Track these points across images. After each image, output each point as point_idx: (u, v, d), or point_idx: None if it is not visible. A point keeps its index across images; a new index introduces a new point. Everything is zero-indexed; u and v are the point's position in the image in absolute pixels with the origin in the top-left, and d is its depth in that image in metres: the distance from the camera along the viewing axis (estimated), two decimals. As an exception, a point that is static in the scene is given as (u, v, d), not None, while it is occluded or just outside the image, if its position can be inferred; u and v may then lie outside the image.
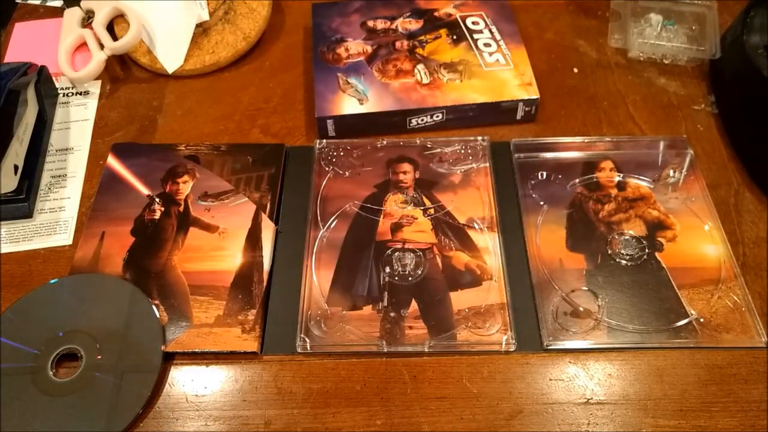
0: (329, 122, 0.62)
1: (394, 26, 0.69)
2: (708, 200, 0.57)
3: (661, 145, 0.61)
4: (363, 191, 0.58)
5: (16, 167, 0.58)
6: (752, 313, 0.50)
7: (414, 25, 0.69)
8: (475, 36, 0.67)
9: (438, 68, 0.65)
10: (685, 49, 0.67)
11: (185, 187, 0.59)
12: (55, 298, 0.52)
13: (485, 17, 0.69)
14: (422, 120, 0.63)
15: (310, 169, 0.60)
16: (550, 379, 0.48)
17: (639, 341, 0.49)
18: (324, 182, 0.59)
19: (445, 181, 0.59)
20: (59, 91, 0.68)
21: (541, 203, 0.57)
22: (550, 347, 0.49)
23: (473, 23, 0.69)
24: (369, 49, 0.67)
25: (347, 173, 0.60)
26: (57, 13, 0.74)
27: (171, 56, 0.68)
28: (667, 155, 0.60)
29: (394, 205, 0.57)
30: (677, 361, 0.49)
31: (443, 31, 0.68)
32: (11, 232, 0.57)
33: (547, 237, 0.55)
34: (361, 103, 0.62)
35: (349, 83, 0.64)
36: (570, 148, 0.61)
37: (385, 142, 0.62)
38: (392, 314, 0.51)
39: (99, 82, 0.69)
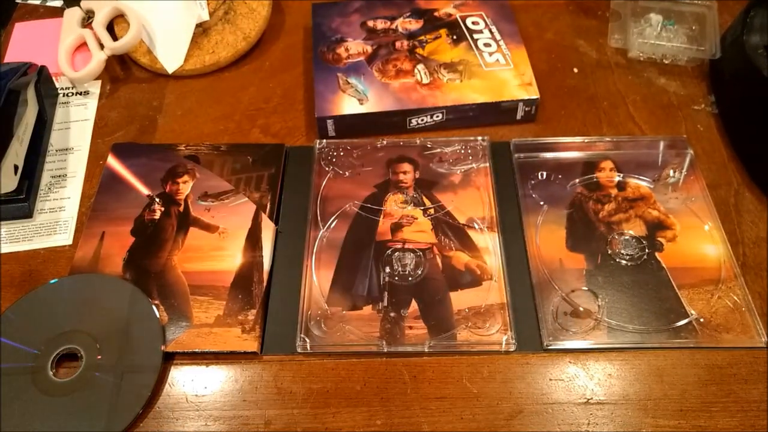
0: (329, 122, 0.62)
1: (394, 26, 0.69)
2: (708, 200, 0.57)
3: (661, 145, 0.61)
4: (363, 191, 0.58)
5: (16, 167, 0.58)
6: (752, 313, 0.50)
7: (414, 25, 0.69)
8: (475, 36, 0.67)
9: (438, 68, 0.65)
10: (685, 49, 0.67)
11: (185, 187, 0.59)
12: (55, 298, 0.52)
13: (485, 17, 0.69)
14: (422, 120, 0.63)
15: (310, 169, 0.60)
16: (550, 379, 0.48)
17: (639, 341, 0.49)
18: (324, 182, 0.59)
19: (445, 181, 0.59)
20: (59, 91, 0.68)
21: (541, 203, 0.57)
22: (550, 347, 0.49)
23: (473, 23, 0.69)
24: (369, 49, 0.67)
25: (347, 173, 0.60)
26: (57, 13, 0.74)
27: (171, 56, 0.68)
28: (667, 155, 0.60)
29: (394, 205, 0.57)
30: (677, 361, 0.49)
31: (443, 31, 0.68)
32: (11, 232, 0.58)
33: (547, 237, 0.55)
34: (361, 103, 0.62)
35: (349, 83, 0.64)
36: (570, 148, 0.61)
37: (385, 142, 0.62)
38: (392, 314, 0.51)
39: (99, 82, 0.69)
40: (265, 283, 0.53)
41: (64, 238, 0.57)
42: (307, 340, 0.50)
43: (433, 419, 0.47)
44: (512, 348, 0.49)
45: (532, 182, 0.59)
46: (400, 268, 0.53)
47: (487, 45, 0.67)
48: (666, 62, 0.69)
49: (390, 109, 0.62)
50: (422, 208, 0.57)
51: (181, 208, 0.57)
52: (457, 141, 0.61)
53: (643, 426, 0.46)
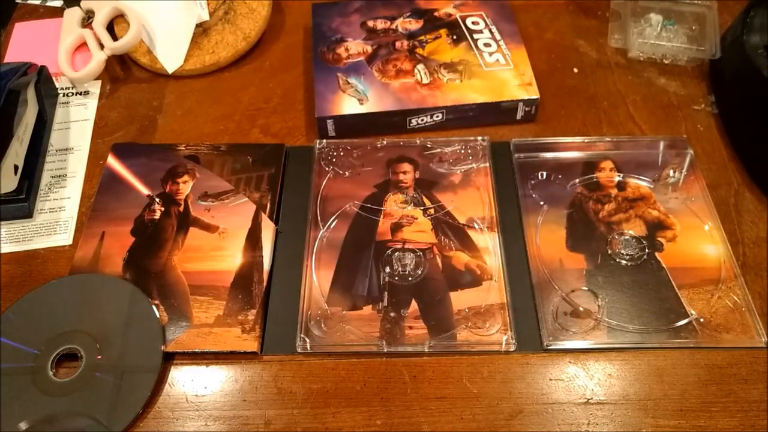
0: (329, 122, 0.62)
1: (394, 26, 0.69)
2: (708, 200, 0.57)
3: (661, 145, 0.61)
4: (363, 191, 0.58)
5: (16, 167, 0.58)
6: (752, 313, 0.50)
7: (414, 25, 0.69)
8: (475, 36, 0.67)
9: (438, 68, 0.65)
10: (685, 49, 0.67)
11: (185, 187, 0.59)
12: (55, 298, 0.52)
13: (485, 17, 0.69)
14: (422, 120, 0.63)
15: (310, 169, 0.60)
16: (550, 379, 0.48)
17: (639, 341, 0.49)
18: (324, 182, 0.59)
19: (445, 181, 0.59)
20: (59, 91, 0.68)
21: (541, 203, 0.57)
22: (550, 347, 0.49)
23: (473, 23, 0.69)
24: (369, 49, 0.67)
25: (347, 173, 0.60)
26: (57, 13, 0.74)
27: (171, 56, 0.68)
28: (667, 155, 0.60)
29: (394, 205, 0.57)
30: (677, 361, 0.49)
31: (443, 31, 0.68)
32: (11, 232, 0.58)
33: (547, 237, 0.55)
34: (361, 103, 0.62)
35: (349, 83, 0.64)
36: (570, 148, 0.61)
37: (385, 142, 0.62)
38: (392, 314, 0.51)
39: (99, 82, 0.69)
40: (265, 283, 0.53)
41: (64, 238, 0.57)
42: (307, 340, 0.50)
43: (433, 419, 0.47)
44: (512, 348, 0.49)
45: (532, 182, 0.59)
46: (400, 268, 0.53)
47: (487, 45, 0.67)
48: (666, 62, 0.69)
49: (390, 109, 0.62)
50: (422, 208, 0.57)
51: (181, 208, 0.57)
52: (457, 141, 0.61)
53: (643, 426, 0.46)
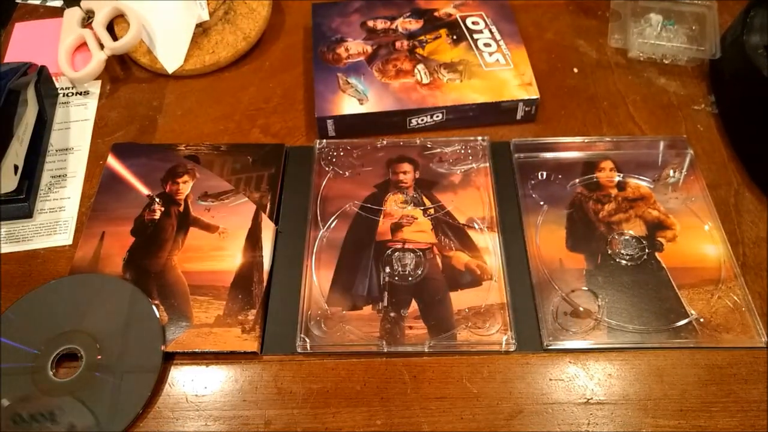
0: (329, 122, 0.62)
1: (394, 26, 0.69)
2: (708, 200, 0.57)
3: (661, 145, 0.61)
4: (363, 191, 0.58)
5: (16, 167, 0.58)
6: (752, 313, 0.50)
7: (414, 25, 0.69)
8: (475, 36, 0.67)
9: (438, 68, 0.65)
10: (685, 49, 0.67)
11: (185, 187, 0.59)
12: (55, 298, 0.52)
13: (485, 17, 0.69)
14: (422, 120, 0.63)
15: (310, 169, 0.60)
16: (550, 379, 0.48)
17: (639, 341, 0.49)
18: (324, 182, 0.59)
19: (445, 181, 0.59)
20: (59, 91, 0.68)
21: (541, 203, 0.57)
22: (550, 347, 0.49)
23: (473, 23, 0.69)
24: (369, 49, 0.67)
25: (347, 173, 0.60)
26: (57, 13, 0.74)
27: (171, 56, 0.68)
28: (667, 155, 0.60)
29: (394, 205, 0.57)
30: (677, 361, 0.49)
31: (443, 31, 0.68)
32: (11, 232, 0.58)
33: (547, 237, 0.55)
34: (361, 103, 0.62)
35: (349, 83, 0.64)
36: (570, 148, 0.61)
37: (385, 142, 0.62)
38: (392, 314, 0.51)
39: (99, 82, 0.69)
40: (265, 283, 0.53)
41: (64, 238, 0.57)
42: (307, 340, 0.50)
43: (433, 419, 0.47)
44: (512, 348, 0.49)
45: (532, 182, 0.59)
46: (400, 268, 0.53)
47: (487, 45, 0.67)
48: (666, 62, 0.69)
49: (390, 109, 0.62)
50: (422, 208, 0.57)
51: (181, 208, 0.57)
52: (457, 141, 0.61)
53: (643, 426, 0.46)
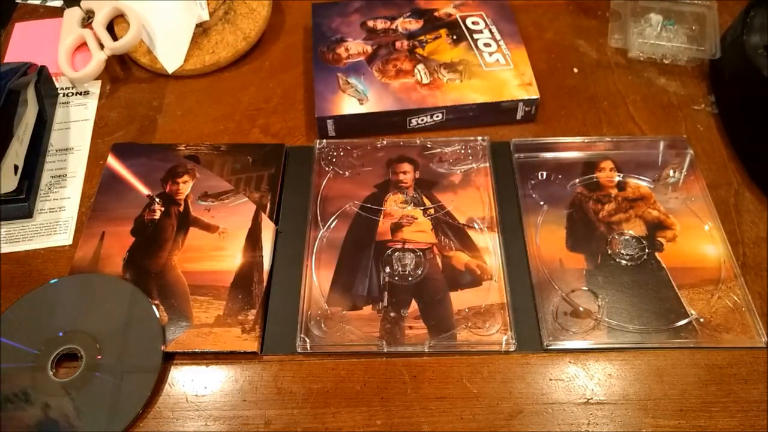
0: (329, 122, 0.62)
1: (394, 26, 0.69)
2: (708, 200, 0.57)
3: (661, 145, 0.61)
4: (363, 191, 0.58)
5: (16, 167, 0.58)
6: (752, 313, 0.50)
7: (414, 25, 0.69)
8: (475, 36, 0.67)
9: (438, 68, 0.65)
10: (685, 49, 0.67)
11: (185, 187, 0.59)
12: (55, 298, 0.52)
13: (485, 17, 0.69)
14: (422, 120, 0.63)
15: (310, 169, 0.60)
16: (550, 379, 0.48)
17: (639, 341, 0.49)
18: (324, 182, 0.59)
19: (445, 181, 0.59)
20: (59, 91, 0.68)
21: (541, 203, 0.57)
22: (550, 347, 0.49)
23: (473, 23, 0.69)
24: (369, 49, 0.67)
25: (347, 173, 0.60)
26: (57, 13, 0.74)
27: (171, 56, 0.68)
28: (667, 155, 0.60)
29: (394, 205, 0.57)
30: (677, 361, 0.49)
31: (443, 31, 0.68)
32: (11, 232, 0.58)
33: (547, 237, 0.55)
34: (361, 103, 0.62)
35: (349, 83, 0.64)
36: (570, 148, 0.61)
37: (385, 142, 0.62)
38: (392, 314, 0.51)
39: (99, 82, 0.69)
40: (265, 283, 0.53)
41: (64, 238, 0.57)
42: (307, 340, 0.50)
43: (433, 419, 0.47)
44: (512, 348, 0.49)
45: (532, 182, 0.59)
46: (400, 268, 0.53)
47: (487, 45, 0.67)
48: (666, 62, 0.69)
49: (390, 109, 0.62)
50: (422, 208, 0.57)
51: (181, 208, 0.57)
52: (457, 141, 0.61)
53: (643, 426, 0.46)
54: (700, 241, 0.55)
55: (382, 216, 0.57)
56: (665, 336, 0.50)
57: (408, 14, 0.70)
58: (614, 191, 0.58)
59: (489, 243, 0.55)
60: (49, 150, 0.63)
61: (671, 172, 0.59)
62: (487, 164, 0.60)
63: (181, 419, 0.47)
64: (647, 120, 0.64)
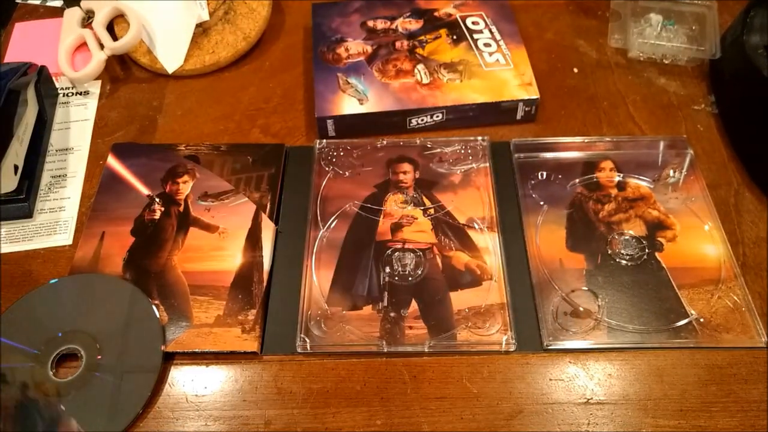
0: (329, 122, 0.62)
1: (394, 26, 0.69)
2: (708, 200, 0.57)
3: (661, 145, 0.61)
4: (363, 191, 0.58)
5: (16, 167, 0.58)
6: (752, 313, 0.50)
7: (414, 25, 0.69)
8: (475, 36, 0.67)
9: (438, 68, 0.65)
10: (685, 49, 0.67)
11: (185, 187, 0.59)
12: (55, 298, 0.52)
13: (485, 17, 0.69)
14: (422, 120, 0.63)
15: (310, 169, 0.60)
16: (550, 379, 0.48)
17: (639, 341, 0.49)
18: (324, 182, 0.59)
19: (445, 181, 0.59)
20: (59, 91, 0.68)
21: (541, 203, 0.57)
22: (550, 347, 0.49)
23: (473, 23, 0.69)
24: (369, 49, 0.67)
25: (347, 173, 0.60)
26: (57, 13, 0.74)
27: (171, 56, 0.68)
28: (667, 155, 0.60)
29: (394, 205, 0.57)
30: (677, 361, 0.49)
31: (443, 31, 0.68)
32: (11, 232, 0.58)
33: (547, 237, 0.55)
34: (361, 103, 0.62)
35: (349, 83, 0.64)
36: (570, 148, 0.61)
37: (385, 142, 0.62)
38: (392, 314, 0.51)
39: (99, 82, 0.69)
40: (265, 283, 0.53)
41: (64, 238, 0.57)
42: (307, 340, 0.50)
43: (433, 419, 0.47)
44: (512, 348, 0.49)
45: (532, 182, 0.59)
46: (400, 268, 0.53)
47: (487, 45, 0.67)
48: (666, 62, 0.69)
49: (390, 109, 0.62)
50: (422, 208, 0.57)
51: (181, 208, 0.57)
52: (457, 141, 0.61)
53: (643, 426, 0.46)
54: (700, 241, 0.55)
55: (382, 216, 0.57)
56: (665, 336, 0.50)
57: (408, 14, 0.70)
58: (614, 191, 0.58)
59: (489, 243, 0.55)
60: (49, 150, 0.63)
61: (671, 172, 0.59)
62: (487, 164, 0.60)
63: (181, 419, 0.47)
64: (647, 120, 0.64)
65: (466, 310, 0.51)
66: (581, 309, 0.51)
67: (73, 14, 0.70)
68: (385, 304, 0.51)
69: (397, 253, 0.54)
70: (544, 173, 0.59)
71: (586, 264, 0.54)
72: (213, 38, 0.69)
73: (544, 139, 0.62)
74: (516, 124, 0.64)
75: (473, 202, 0.57)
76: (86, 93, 0.68)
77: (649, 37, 0.68)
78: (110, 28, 0.70)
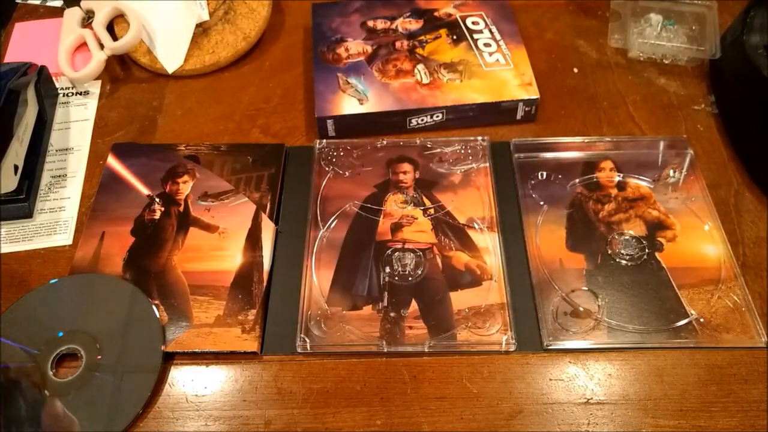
0: (329, 122, 0.62)
1: (394, 26, 0.69)
2: (708, 200, 0.57)
3: (661, 145, 0.61)
4: (363, 191, 0.58)
5: (16, 167, 0.58)
6: (752, 313, 0.50)
7: (414, 25, 0.69)
8: (475, 36, 0.67)
9: (438, 68, 0.65)
10: (685, 49, 0.67)
11: (185, 187, 0.59)
12: (55, 298, 0.52)
13: (485, 17, 0.69)
14: (422, 120, 0.63)
15: (310, 169, 0.60)
16: (550, 379, 0.48)
17: (639, 341, 0.49)
18: (324, 182, 0.59)
19: (445, 181, 0.59)
20: (59, 91, 0.68)
21: (541, 203, 0.57)
22: (550, 347, 0.49)
23: (473, 23, 0.69)
24: (369, 49, 0.67)
25: (347, 173, 0.60)
26: (57, 13, 0.74)
27: (171, 56, 0.68)
28: (667, 155, 0.60)
29: (394, 205, 0.57)
30: (677, 361, 0.49)
31: (443, 31, 0.68)
32: (11, 232, 0.58)
33: (547, 237, 0.55)
34: (361, 103, 0.62)
35: (349, 83, 0.64)
36: (570, 148, 0.61)
37: (385, 142, 0.62)
38: (392, 314, 0.51)
39: (99, 82, 0.69)
40: (265, 283, 0.53)
41: (64, 238, 0.57)
42: (307, 340, 0.50)
43: (433, 419, 0.47)
44: (512, 348, 0.49)
45: (532, 182, 0.59)
46: (400, 268, 0.53)
47: (487, 45, 0.67)
48: (666, 62, 0.69)
49: (390, 109, 0.62)
50: (422, 208, 0.57)
51: (181, 208, 0.57)
52: (457, 141, 0.61)
53: (643, 426, 0.46)
54: (700, 241, 0.55)
55: (382, 216, 0.57)
56: (665, 336, 0.50)
57: (408, 14, 0.70)
58: (614, 191, 0.58)
59: (489, 243, 0.55)
60: (49, 150, 0.63)
61: (671, 172, 0.59)
62: (487, 164, 0.60)
63: (181, 419, 0.47)
64: (647, 120, 0.64)
65: (466, 310, 0.51)
66: (581, 309, 0.51)
67: (73, 14, 0.70)
68: (385, 304, 0.51)
69: (397, 253, 0.54)
70: (544, 173, 0.59)
71: (586, 264, 0.54)
72: (213, 38, 0.69)
73: (544, 139, 0.62)
74: (516, 124, 0.64)
75: (473, 202, 0.57)
76: (86, 93, 0.68)
77: (649, 37, 0.68)
78: (110, 28, 0.70)
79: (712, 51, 0.66)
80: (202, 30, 0.69)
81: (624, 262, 0.54)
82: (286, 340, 0.50)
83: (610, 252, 0.54)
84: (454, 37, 0.68)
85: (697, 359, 0.49)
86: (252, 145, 0.62)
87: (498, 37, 0.67)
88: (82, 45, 0.69)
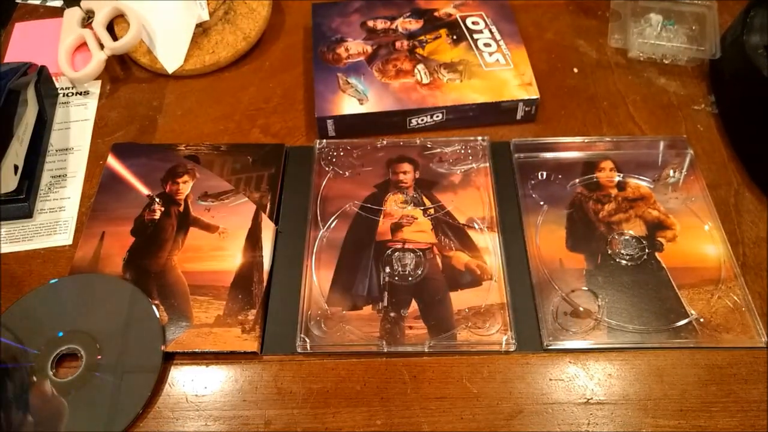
0: (329, 122, 0.62)
1: (394, 26, 0.69)
2: (708, 200, 0.57)
3: (661, 145, 0.61)
4: (363, 191, 0.58)
5: (16, 167, 0.58)
6: (752, 313, 0.50)
7: (414, 25, 0.69)
8: (475, 36, 0.67)
9: (438, 68, 0.65)
10: (685, 49, 0.67)
11: (185, 187, 0.59)
12: (55, 298, 0.52)
13: (485, 17, 0.69)
14: (422, 120, 0.63)
15: (310, 169, 0.60)
16: (550, 379, 0.48)
17: (639, 341, 0.49)
18: (324, 182, 0.59)
19: (445, 181, 0.59)
20: (59, 91, 0.68)
21: (541, 203, 0.57)
22: (550, 347, 0.49)
23: (473, 23, 0.69)
24: (369, 49, 0.67)
25: (347, 173, 0.60)
26: (57, 13, 0.74)
27: (171, 56, 0.68)
28: (667, 155, 0.60)
29: (394, 205, 0.57)
30: (677, 361, 0.49)
31: (443, 31, 0.68)
32: (11, 232, 0.58)
33: (547, 237, 0.55)
34: (361, 103, 0.62)
35: (349, 83, 0.64)
36: (570, 148, 0.61)
37: (385, 142, 0.62)
38: (392, 314, 0.51)
39: (99, 82, 0.69)
40: (265, 283, 0.53)
41: (64, 238, 0.57)
42: (307, 340, 0.50)
43: (433, 419, 0.47)
44: (512, 348, 0.49)
45: (532, 182, 0.59)
46: (400, 268, 0.53)
47: (487, 45, 0.67)
48: (666, 62, 0.69)
49: (390, 109, 0.62)
50: (422, 208, 0.57)
51: (181, 208, 0.57)
52: (457, 141, 0.61)
53: (643, 426, 0.46)
54: (700, 241, 0.55)
55: (382, 216, 0.57)
56: (665, 336, 0.50)
57: (408, 14, 0.70)
58: (614, 191, 0.58)
59: (489, 243, 0.55)
60: (49, 150, 0.63)
61: (671, 172, 0.59)
62: (487, 164, 0.60)
63: (181, 419, 0.47)
64: (647, 120, 0.64)
65: (466, 310, 0.51)
66: (581, 309, 0.51)
67: (73, 14, 0.70)
68: (385, 304, 0.51)
69: (397, 253, 0.54)
70: (544, 173, 0.59)
71: (586, 264, 0.54)
72: (213, 38, 0.69)
73: (544, 139, 0.62)
74: (516, 124, 0.64)
75: (473, 202, 0.57)
76: (86, 93, 0.68)
77: (649, 37, 0.68)
78: (110, 28, 0.70)
79: (712, 51, 0.66)
80: (202, 30, 0.69)
81: (624, 262, 0.54)
82: (286, 340, 0.50)
83: (610, 252, 0.54)
84: (454, 37, 0.68)
85: (697, 359, 0.49)
86: (252, 145, 0.62)
87: (498, 37, 0.67)
88: (82, 45, 0.69)
